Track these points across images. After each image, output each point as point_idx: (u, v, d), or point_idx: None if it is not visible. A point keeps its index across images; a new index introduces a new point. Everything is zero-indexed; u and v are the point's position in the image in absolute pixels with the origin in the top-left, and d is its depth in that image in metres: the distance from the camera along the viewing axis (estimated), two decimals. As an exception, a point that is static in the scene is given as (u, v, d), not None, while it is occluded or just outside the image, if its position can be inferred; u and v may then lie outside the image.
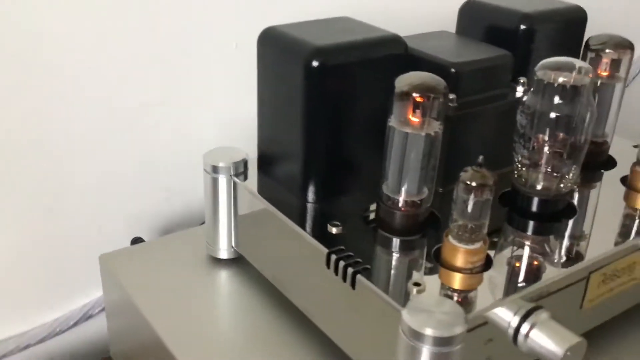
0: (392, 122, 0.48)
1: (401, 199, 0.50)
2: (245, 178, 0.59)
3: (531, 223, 0.53)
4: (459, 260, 0.46)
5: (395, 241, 0.50)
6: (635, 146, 0.65)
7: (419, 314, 0.40)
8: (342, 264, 0.47)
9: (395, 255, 0.49)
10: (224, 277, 0.61)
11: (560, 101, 0.50)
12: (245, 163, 0.59)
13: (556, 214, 0.54)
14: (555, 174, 0.53)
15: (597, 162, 0.63)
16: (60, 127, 0.66)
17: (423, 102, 0.47)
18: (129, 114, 0.69)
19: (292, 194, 0.55)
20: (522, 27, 0.61)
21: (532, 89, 0.51)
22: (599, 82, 0.60)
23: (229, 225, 0.60)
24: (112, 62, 0.66)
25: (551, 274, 0.47)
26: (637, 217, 0.55)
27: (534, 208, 0.54)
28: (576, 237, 0.53)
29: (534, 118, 0.51)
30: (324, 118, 0.52)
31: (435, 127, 0.48)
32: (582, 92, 0.50)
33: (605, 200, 0.58)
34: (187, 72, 0.70)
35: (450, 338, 0.39)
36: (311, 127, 0.52)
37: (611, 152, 0.64)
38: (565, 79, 0.50)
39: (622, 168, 0.61)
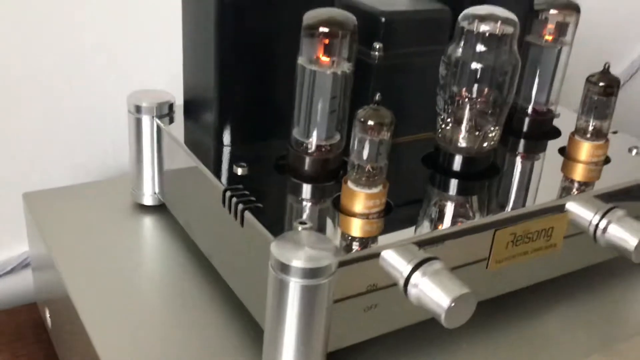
0: (301, 60, 0.47)
1: (310, 144, 0.48)
2: (171, 121, 0.58)
3: (451, 181, 0.51)
4: (356, 205, 0.44)
5: (301, 186, 0.48)
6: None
7: (287, 246, 0.38)
8: (234, 200, 0.45)
9: (296, 200, 0.47)
10: (147, 225, 0.60)
11: (482, 50, 0.48)
12: (170, 106, 0.58)
13: (478, 173, 0.52)
14: (477, 131, 0.51)
15: (540, 132, 0.60)
16: (4, 66, 0.65)
17: (331, 38, 0.45)
18: (77, 60, 0.68)
19: (210, 137, 0.54)
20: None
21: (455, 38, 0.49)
22: (543, 46, 0.58)
23: (152, 170, 0.59)
24: (63, 5, 0.65)
25: (452, 226, 0.45)
26: (566, 185, 0.53)
27: (455, 167, 0.51)
28: (491, 196, 0.51)
29: (455, 68, 0.49)
30: (238, 57, 0.50)
31: (345, 67, 0.47)
32: (505, 42, 0.48)
33: (539, 168, 0.56)
34: (138, 20, 0.69)
35: (318, 269, 0.38)
36: (224, 66, 0.51)
37: (560, 124, 0.61)
38: (487, 28, 0.48)
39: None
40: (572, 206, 0.51)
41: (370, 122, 0.42)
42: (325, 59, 0.46)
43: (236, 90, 0.52)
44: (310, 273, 0.37)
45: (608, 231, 0.50)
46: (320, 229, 0.44)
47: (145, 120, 0.57)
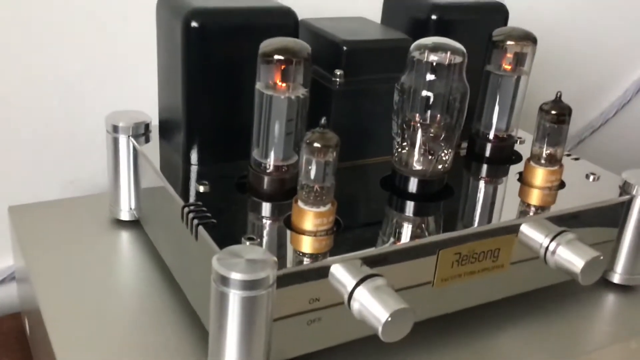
0: (258, 85, 0.50)
1: (268, 164, 0.51)
2: (147, 141, 0.61)
3: (406, 203, 0.53)
4: (305, 223, 0.46)
5: (258, 204, 0.51)
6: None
7: (227, 260, 0.41)
8: (191, 216, 0.48)
9: (253, 217, 0.50)
10: (123, 239, 0.62)
11: (431, 79, 0.51)
12: (146, 126, 0.61)
13: (432, 195, 0.54)
14: (430, 155, 0.53)
15: (501, 157, 0.62)
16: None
17: (285, 65, 0.48)
18: (68, 83, 0.71)
19: (179, 157, 0.56)
20: (433, 17, 0.61)
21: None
22: (502, 75, 0.60)
23: (129, 187, 0.62)
24: (50, 30, 0.69)
25: (396, 244, 0.47)
26: (519, 208, 0.55)
27: (410, 189, 0.54)
28: (443, 217, 0.53)
29: (408, 96, 0.52)
30: (204, 81, 0.53)
31: (300, 92, 0.49)
32: (454, 71, 0.51)
33: (497, 192, 0.58)
34: (126, 46, 0.73)
35: (256, 281, 0.40)
36: (191, 89, 0.54)
37: (525, 150, 0.63)
38: (436, 58, 0.50)
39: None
40: (524, 228, 0.53)
41: (317, 145, 0.45)
42: (280, 84, 0.49)
43: (203, 113, 0.55)
44: (249, 285, 0.40)
45: (557, 253, 0.52)
46: (271, 245, 0.46)
47: (122, 139, 0.60)
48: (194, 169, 0.56)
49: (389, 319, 0.42)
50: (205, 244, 0.45)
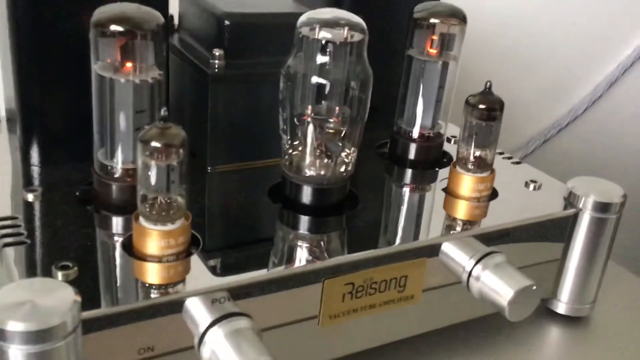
0: (96, 66, 0.38)
1: (114, 167, 0.40)
2: (-8, 134, 0.49)
3: (299, 218, 0.43)
4: (147, 246, 0.35)
5: (103, 219, 0.40)
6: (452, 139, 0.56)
7: (10, 302, 0.30)
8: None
9: (88, 236, 0.39)
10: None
11: (323, 62, 0.40)
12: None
13: (330, 207, 0.43)
14: (327, 157, 0.42)
15: (427, 159, 0.52)
16: None
17: (127, 38, 0.37)
18: None
19: (22, 155, 0.45)
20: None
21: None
22: (425, 60, 0.49)
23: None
24: None
25: (264, 273, 0.37)
26: (440, 223, 0.44)
27: (302, 199, 0.43)
28: (345, 234, 0.42)
29: (296, 83, 0.41)
30: (39, 62, 0.42)
31: (151, 74, 0.38)
32: (352, 51, 0.40)
33: (421, 204, 0.48)
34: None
35: (44, 332, 0.29)
36: (23, 71, 0.43)
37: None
38: (329, 35, 0.40)
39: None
40: (446, 248, 0.43)
41: (155, 144, 0.34)
42: (123, 64, 0.38)
43: (41, 102, 0.44)
44: (34, 337, 0.29)
45: (482, 280, 0.42)
46: (97, 275, 0.35)
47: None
48: (35, 171, 0.44)
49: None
50: (9, 272, 0.34)
